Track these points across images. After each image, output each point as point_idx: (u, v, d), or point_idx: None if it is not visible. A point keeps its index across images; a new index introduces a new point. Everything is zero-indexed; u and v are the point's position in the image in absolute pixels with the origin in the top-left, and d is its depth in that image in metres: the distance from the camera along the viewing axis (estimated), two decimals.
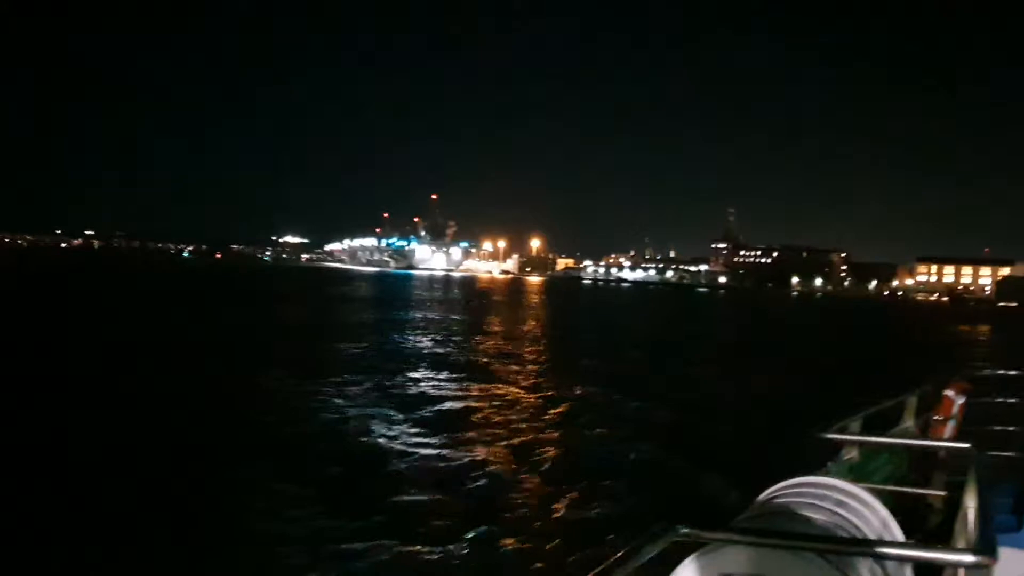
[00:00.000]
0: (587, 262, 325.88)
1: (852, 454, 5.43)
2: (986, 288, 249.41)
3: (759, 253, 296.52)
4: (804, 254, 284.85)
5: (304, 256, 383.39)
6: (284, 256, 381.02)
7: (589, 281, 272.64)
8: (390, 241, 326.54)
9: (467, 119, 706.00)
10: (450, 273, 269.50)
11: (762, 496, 2.38)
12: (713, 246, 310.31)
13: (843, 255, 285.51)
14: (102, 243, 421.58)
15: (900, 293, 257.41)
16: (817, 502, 2.11)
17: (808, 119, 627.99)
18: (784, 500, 2.18)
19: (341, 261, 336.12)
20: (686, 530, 2.00)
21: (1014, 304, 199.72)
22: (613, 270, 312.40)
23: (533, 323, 61.84)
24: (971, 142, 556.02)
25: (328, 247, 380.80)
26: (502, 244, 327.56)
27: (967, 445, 3.90)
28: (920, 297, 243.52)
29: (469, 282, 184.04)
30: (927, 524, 5.50)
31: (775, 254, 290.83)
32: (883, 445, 6.38)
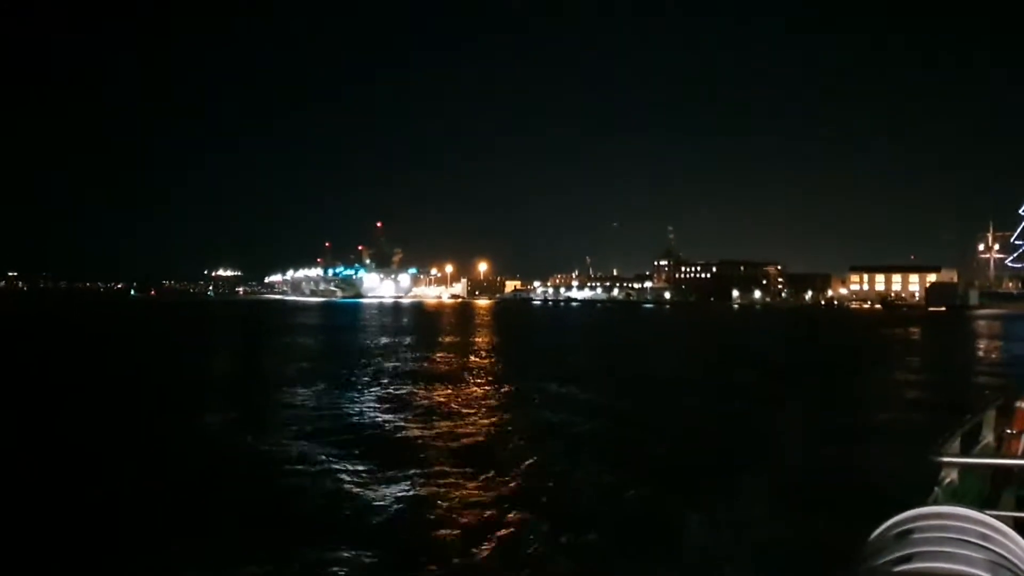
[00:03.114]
0: (536, 283, 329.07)
1: (951, 476, 5.03)
2: (915, 294, 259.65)
3: (699, 268, 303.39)
4: (742, 268, 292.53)
5: (240, 289, 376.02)
6: (221, 290, 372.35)
7: (539, 302, 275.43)
8: (336, 270, 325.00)
9: (403, 146, 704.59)
10: (399, 300, 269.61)
11: (885, 528, 2.01)
12: (655, 263, 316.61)
13: (779, 267, 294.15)
14: (27, 285, 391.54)
15: (835, 302, 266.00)
16: (961, 536, 1.82)
17: (739, 136, 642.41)
18: (924, 535, 1.86)
19: (283, 293, 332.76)
20: None
21: (942, 308, 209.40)
22: (561, 290, 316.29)
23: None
24: (904, 158, 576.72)
25: (269, 279, 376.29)
26: (449, 269, 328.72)
27: None
28: (854, 305, 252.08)
29: (418, 308, 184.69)
30: None
31: (715, 269, 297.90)
32: (995, 467, 5.91)
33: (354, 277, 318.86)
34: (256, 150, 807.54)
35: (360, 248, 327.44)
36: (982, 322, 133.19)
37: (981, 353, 64.07)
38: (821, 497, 14.31)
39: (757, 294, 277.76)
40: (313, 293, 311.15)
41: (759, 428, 23.05)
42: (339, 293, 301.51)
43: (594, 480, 16.75)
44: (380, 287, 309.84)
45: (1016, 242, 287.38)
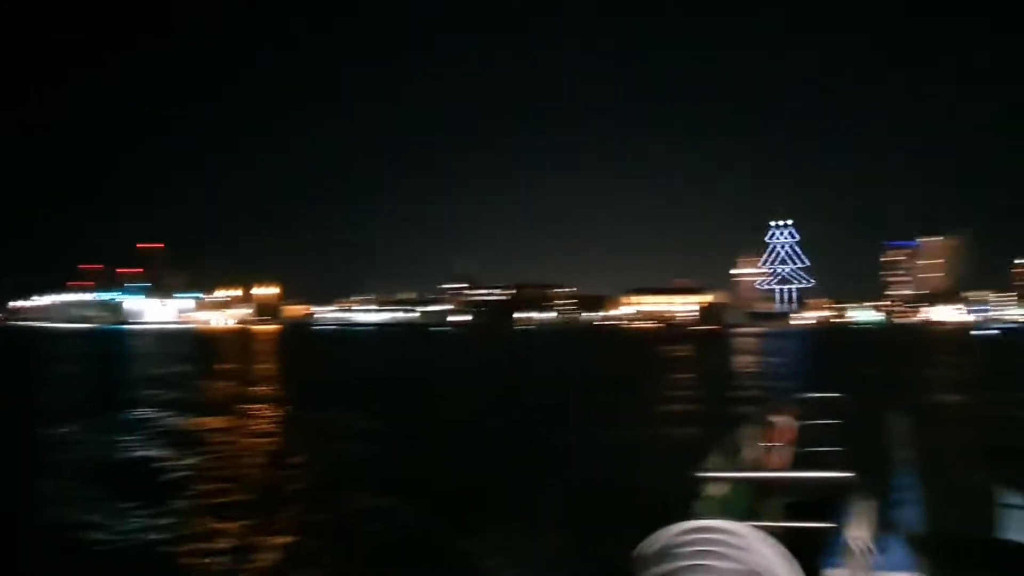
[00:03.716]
0: (322, 307, 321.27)
1: (714, 490, 5.21)
2: (690, 314, 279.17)
3: (493, 290, 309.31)
4: (533, 290, 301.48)
5: None
6: None
7: (326, 327, 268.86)
8: (106, 294, 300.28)
9: (176, 165, 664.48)
10: (174, 326, 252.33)
11: (647, 545, 1.82)
12: (449, 286, 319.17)
13: (570, 289, 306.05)
14: None
15: (620, 321, 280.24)
16: (719, 549, 1.68)
17: (537, 162, 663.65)
18: (684, 550, 1.70)
19: (34, 320, 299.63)
20: None
21: (712, 327, 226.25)
22: (351, 313, 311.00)
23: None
24: (662, 181, 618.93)
25: (15, 304, 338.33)
26: (234, 293, 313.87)
27: (850, 475, 3.82)
28: (636, 324, 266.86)
29: (190, 336, 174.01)
30: (815, 559, 5.02)
31: (507, 292, 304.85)
32: (759, 480, 6.25)
33: (121, 302, 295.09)
34: None
35: (132, 270, 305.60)
36: (745, 339, 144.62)
37: (743, 368, 68.94)
38: (596, 513, 14.48)
39: (549, 315, 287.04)
40: (69, 320, 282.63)
41: (543, 446, 23.01)
42: (103, 319, 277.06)
43: (367, 504, 16.06)
44: (154, 312, 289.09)
45: (773, 266, 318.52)
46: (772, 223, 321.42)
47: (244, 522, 15.03)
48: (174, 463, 21.26)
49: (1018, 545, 7.65)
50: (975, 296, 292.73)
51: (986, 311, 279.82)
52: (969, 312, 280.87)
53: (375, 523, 14.89)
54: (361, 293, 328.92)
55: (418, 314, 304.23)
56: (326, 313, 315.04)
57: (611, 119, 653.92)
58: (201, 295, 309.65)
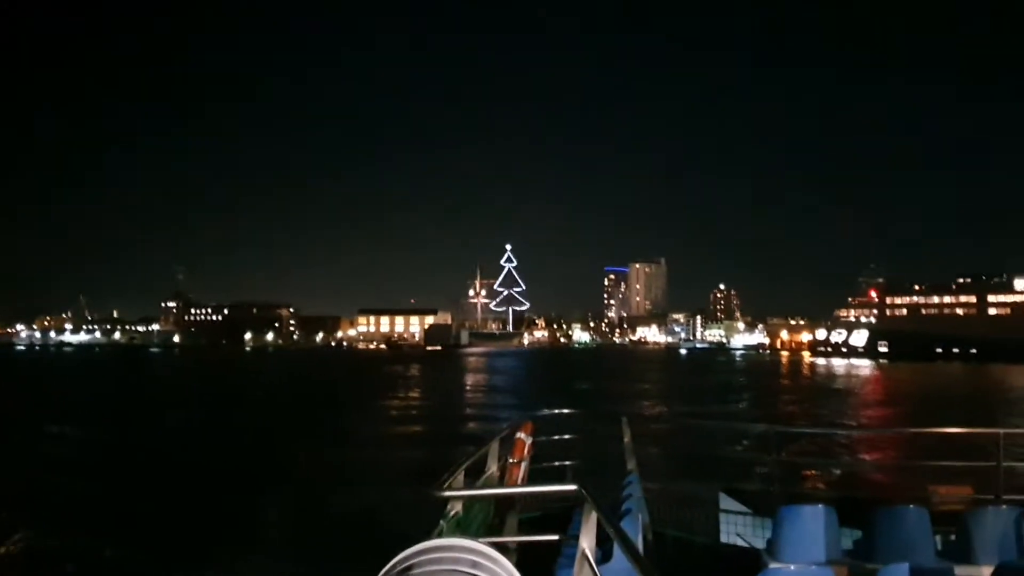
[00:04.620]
0: (19, 326, 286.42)
1: (456, 508, 5.30)
2: (416, 335, 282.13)
3: (210, 311, 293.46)
4: (255, 310, 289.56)
5: None
6: None
7: (24, 347, 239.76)
8: None
9: None
10: None
11: (391, 567, 2.21)
12: (162, 304, 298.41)
13: (291, 310, 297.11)
14: None
15: (345, 343, 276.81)
16: (455, 567, 2.06)
17: (255, 180, 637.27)
18: (423, 570, 2.08)
19: None
20: None
21: (439, 347, 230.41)
22: (52, 333, 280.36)
23: None
24: (396, 203, 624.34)
25: None
26: None
27: (575, 487, 3.91)
28: (362, 345, 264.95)
29: None
30: (548, 572, 5.25)
31: (226, 311, 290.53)
32: (495, 497, 6.40)
33: None
34: None
35: None
36: (472, 358, 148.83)
37: (469, 385, 70.56)
38: (332, 541, 14.04)
39: (270, 336, 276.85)
40: None
41: (267, 468, 21.87)
42: None
43: None
44: None
45: (498, 288, 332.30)
46: (507, 247, 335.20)
47: None
48: None
49: (737, 547, 8.16)
50: (677, 317, 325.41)
51: (681, 333, 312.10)
52: (670, 334, 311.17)
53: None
54: (70, 311, 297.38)
55: (133, 335, 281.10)
56: (26, 332, 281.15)
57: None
58: None
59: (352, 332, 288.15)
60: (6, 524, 14.88)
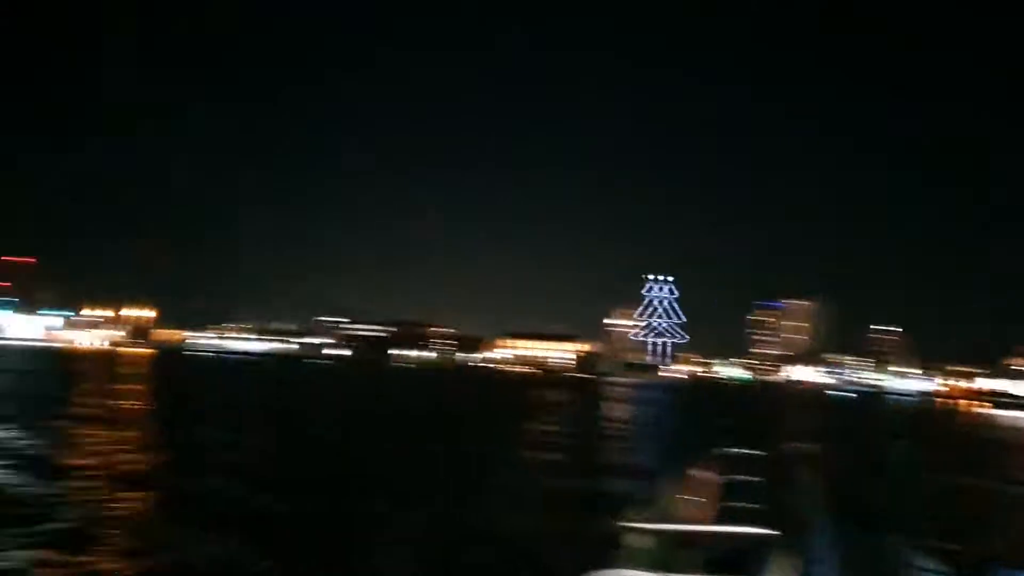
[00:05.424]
0: (197, 332, 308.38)
1: (633, 540, 5.20)
2: (562, 360, 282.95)
3: (369, 326, 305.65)
4: (410, 327, 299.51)
5: None
6: None
7: (199, 352, 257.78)
8: None
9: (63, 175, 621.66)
10: (40, 344, 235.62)
11: None
12: (322, 319, 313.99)
13: (444, 328, 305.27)
14: None
15: (493, 364, 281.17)
16: None
17: (411, 200, 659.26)
18: None
19: None
20: None
21: (586, 374, 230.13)
22: (225, 340, 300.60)
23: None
24: (558, 238, 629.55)
25: None
26: (104, 313, 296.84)
27: (769, 531, 3.78)
28: (508, 367, 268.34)
29: (57, 354, 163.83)
30: None
31: (383, 327, 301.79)
32: (683, 533, 6.35)
33: None
34: None
35: None
36: (618, 388, 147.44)
37: (616, 415, 69.82)
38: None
39: (424, 353, 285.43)
40: None
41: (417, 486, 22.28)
42: None
43: None
44: (19, 328, 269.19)
45: (648, 319, 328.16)
46: (651, 276, 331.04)
47: None
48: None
49: None
50: (833, 358, 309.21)
51: (842, 374, 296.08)
52: (828, 374, 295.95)
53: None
54: (237, 321, 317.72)
55: (295, 345, 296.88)
56: (200, 339, 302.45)
57: (494, 160, 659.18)
58: (71, 313, 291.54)
59: (500, 354, 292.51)
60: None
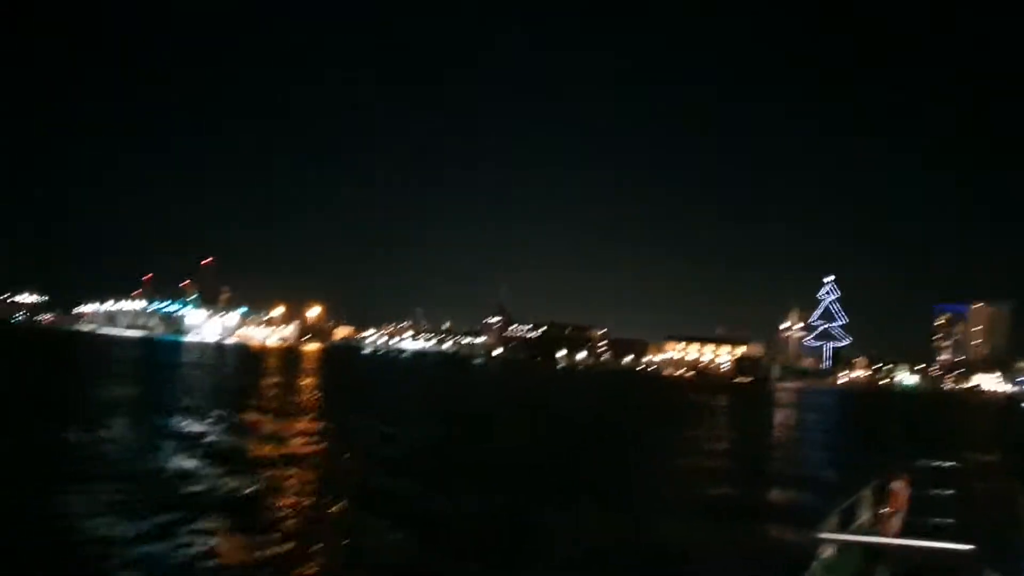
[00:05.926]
0: (369, 331, 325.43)
1: (829, 551, 5.21)
2: (723, 364, 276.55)
3: (529, 328, 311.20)
4: (568, 330, 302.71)
5: (44, 317, 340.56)
6: (19, 317, 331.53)
7: (368, 351, 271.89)
8: (159, 305, 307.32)
9: (236, 184, 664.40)
10: (224, 341, 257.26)
11: None
12: (485, 321, 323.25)
13: (602, 331, 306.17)
14: None
15: (652, 368, 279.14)
16: None
17: (572, 202, 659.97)
18: None
19: (96, 324, 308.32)
20: None
21: (748, 379, 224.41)
22: (392, 340, 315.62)
23: None
24: (726, 242, 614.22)
25: (80, 309, 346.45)
26: (280, 311, 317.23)
27: (971, 547, 3.65)
28: (668, 371, 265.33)
29: (241, 351, 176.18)
30: None
31: (543, 329, 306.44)
32: (877, 545, 6.25)
33: (177, 314, 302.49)
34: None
35: (186, 283, 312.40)
36: (782, 393, 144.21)
37: (779, 421, 69.36)
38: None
39: (581, 355, 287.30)
40: (130, 327, 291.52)
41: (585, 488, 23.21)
42: (159, 329, 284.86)
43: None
44: (204, 326, 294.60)
45: (814, 323, 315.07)
46: (825, 279, 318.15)
47: None
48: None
49: None
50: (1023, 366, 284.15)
51: None
52: (1017, 383, 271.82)
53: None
54: (405, 319, 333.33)
55: (460, 345, 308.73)
56: (370, 337, 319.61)
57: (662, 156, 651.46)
58: (249, 311, 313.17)
59: (660, 357, 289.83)
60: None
